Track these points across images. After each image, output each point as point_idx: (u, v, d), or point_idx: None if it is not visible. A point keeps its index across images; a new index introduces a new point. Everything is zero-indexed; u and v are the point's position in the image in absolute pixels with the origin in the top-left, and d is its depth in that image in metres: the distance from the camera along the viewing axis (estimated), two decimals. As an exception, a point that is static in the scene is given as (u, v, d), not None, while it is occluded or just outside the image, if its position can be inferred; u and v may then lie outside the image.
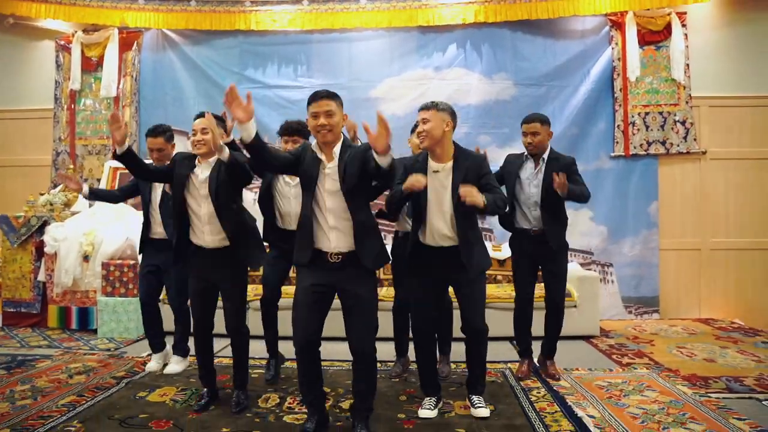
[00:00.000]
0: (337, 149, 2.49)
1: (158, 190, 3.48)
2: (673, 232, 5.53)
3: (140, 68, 6.02)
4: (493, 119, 5.57)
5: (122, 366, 3.69)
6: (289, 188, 3.23)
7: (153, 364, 3.62)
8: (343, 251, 2.45)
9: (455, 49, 5.67)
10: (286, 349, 3.43)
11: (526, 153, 3.46)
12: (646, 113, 5.53)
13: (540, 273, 3.50)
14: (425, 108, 2.79)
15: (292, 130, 3.23)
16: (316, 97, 2.44)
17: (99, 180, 5.82)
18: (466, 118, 5.44)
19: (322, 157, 2.48)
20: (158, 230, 3.49)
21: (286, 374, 3.46)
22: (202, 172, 2.85)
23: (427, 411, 2.83)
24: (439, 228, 2.75)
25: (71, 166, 5.77)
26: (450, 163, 2.76)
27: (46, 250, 4.85)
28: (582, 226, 5.38)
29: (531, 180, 3.38)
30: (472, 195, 2.55)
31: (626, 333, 4.74)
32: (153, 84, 6.00)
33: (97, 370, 3.58)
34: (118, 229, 4.90)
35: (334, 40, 5.79)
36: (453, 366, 3.59)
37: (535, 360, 3.62)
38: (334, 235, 2.46)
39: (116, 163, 5.73)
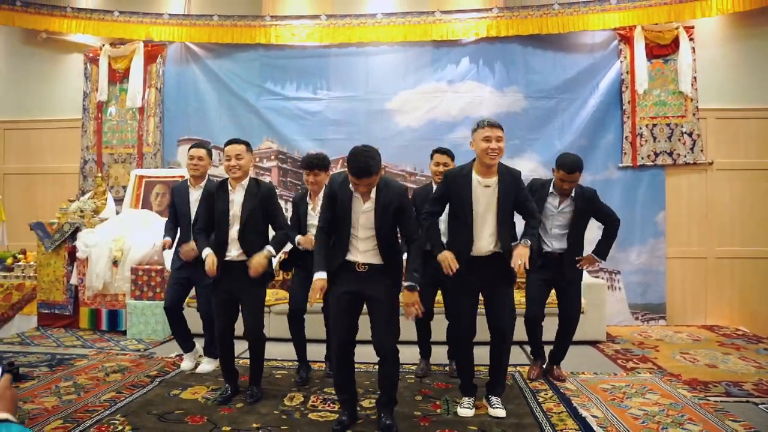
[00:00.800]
0: (373, 192, 2.72)
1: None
2: (680, 241, 5.68)
3: (164, 80, 6.28)
4: (504, 131, 5.72)
5: (154, 366, 3.92)
6: (313, 220, 3.47)
7: (186, 363, 3.86)
8: (370, 263, 2.75)
9: (468, 63, 5.86)
10: (313, 351, 3.68)
11: (552, 190, 3.55)
12: (654, 125, 5.68)
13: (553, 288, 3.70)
14: (498, 126, 2.98)
15: (312, 164, 3.49)
16: (360, 170, 2.59)
17: (125, 187, 6.10)
18: (477, 130, 5.64)
19: (359, 196, 2.72)
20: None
21: (309, 376, 3.66)
22: (236, 194, 3.17)
23: (467, 410, 3.04)
24: (487, 237, 2.96)
25: (99, 174, 6.04)
26: (496, 178, 2.97)
27: (78, 255, 5.11)
28: (590, 234, 5.39)
29: (555, 211, 3.54)
30: (524, 257, 2.86)
31: (632, 339, 4.89)
32: (176, 95, 6.26)
33: (130, 369, 3.82)
34: (145, 235, 5.15)
35: (351, 53, 6.00)
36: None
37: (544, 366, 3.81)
38: (362, 251, 2.76)
39: (142, 171, 6.03)
